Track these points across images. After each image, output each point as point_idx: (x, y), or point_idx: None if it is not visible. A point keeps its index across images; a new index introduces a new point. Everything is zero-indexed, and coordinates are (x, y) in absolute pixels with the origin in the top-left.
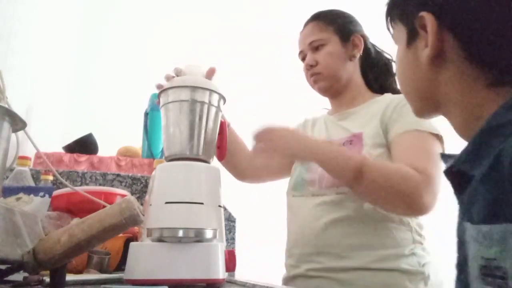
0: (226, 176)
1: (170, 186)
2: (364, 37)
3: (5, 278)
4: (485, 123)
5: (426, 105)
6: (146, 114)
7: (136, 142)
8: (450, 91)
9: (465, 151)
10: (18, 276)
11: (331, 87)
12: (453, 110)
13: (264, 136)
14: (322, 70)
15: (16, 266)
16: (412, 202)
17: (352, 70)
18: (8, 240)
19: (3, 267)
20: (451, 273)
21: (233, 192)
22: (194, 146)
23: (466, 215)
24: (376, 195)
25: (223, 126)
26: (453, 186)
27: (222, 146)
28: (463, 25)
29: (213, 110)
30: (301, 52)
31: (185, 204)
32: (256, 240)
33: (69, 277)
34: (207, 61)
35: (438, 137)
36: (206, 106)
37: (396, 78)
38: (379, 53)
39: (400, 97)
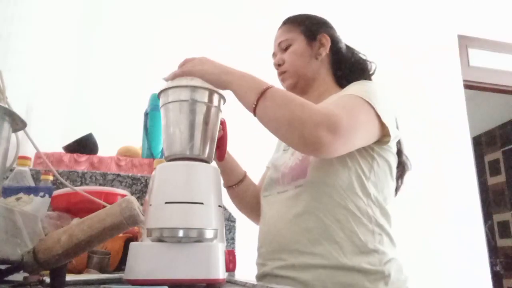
0: None
1: (170, 186)
2: (332, 37)
3: (5, 278)
4: None
5: None
6: (146, 114)
7: (136, 142)
8: None
9: None
10: (18, 276)
11: (296, 84)
12: None
13: (182, 64)
14: (288, 68)
15: (16, 266)
16: (305, 132)
17: (318, 68)
18: (8, 240)
19: (3, 267)
20: (417, 267)
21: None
22: (194, 146)
23: None
24: (272, 117)
25: (223, 126)
26: None
27: (222, 146)
28: None
29: (213, 110)
30: (273, 54)
31: (185, 204)
32: (256, 240)
33: (69, 277)
34: None
35: (372, 108)
36: (206, 106)
37: None
38: (351, 53)
39: (359, 81)
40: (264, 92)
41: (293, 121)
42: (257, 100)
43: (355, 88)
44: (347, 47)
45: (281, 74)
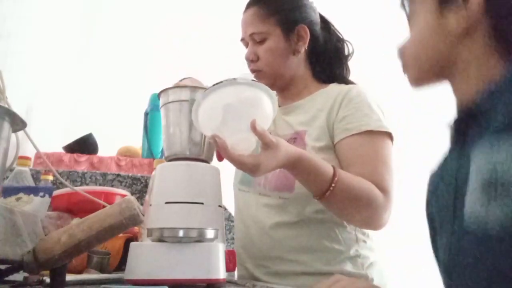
0: (226, 176)
1: (170, 186)
2: (310, 25)
3: (5, 278)
4: None
5: (432, 73)
6: (146, 114)
7: (136, 142)
8: (470, 61)
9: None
10: (18, 276)
11: (273, 84)
12: (465, 79)
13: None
14: (263, 68)
15: (16, 266)
16: (372, 223)
17: (297, 65)
18: (8, 240)
19: (3, 267)
20: (418, 266)
21: (233, 192)
22: (194, 146)
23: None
24: (341, 213)
25: None
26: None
27: None
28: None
29: None
30: (242, 40)
31: (185, 204)
32: None
33: (69, 277)
34: (207, 60)
35: (389, 135)
36: None
37: (410, 41)
38: (328, 40)
39: (346, 89)
40: (325, 197)
41: (363, 218)
42: (320, 199)
43: (361, 116)
44: (322, 27)
45: (254, 71)
